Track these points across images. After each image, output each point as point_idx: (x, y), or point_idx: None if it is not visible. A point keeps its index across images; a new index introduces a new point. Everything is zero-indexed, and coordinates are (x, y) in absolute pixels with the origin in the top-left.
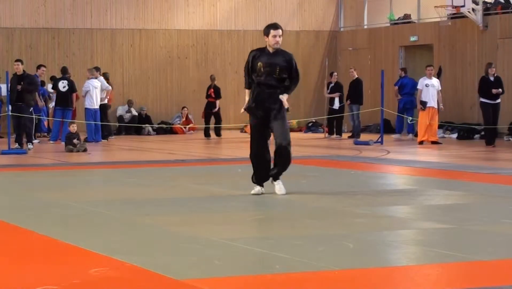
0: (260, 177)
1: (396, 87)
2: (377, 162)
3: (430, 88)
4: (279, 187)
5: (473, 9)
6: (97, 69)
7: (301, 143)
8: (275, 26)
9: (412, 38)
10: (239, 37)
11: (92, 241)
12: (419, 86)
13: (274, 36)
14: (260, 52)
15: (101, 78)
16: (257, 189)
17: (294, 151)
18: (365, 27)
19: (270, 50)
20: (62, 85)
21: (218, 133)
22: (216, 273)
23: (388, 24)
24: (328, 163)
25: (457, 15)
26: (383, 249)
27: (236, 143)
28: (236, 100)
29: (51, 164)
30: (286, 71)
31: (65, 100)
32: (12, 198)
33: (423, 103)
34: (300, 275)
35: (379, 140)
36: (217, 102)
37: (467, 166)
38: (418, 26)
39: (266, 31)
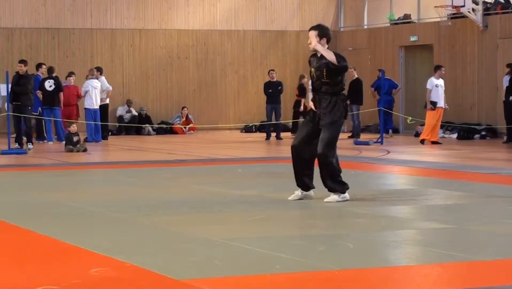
0: (297, 177)
1: (372, 89)
2: (377, 162)
3: (439, 89)
4: (329, 198)
5: (473, 9)
6: (99, 69)
7: None
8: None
9: (412, 38)
10: (239, 37)
11: (92, 241)
12: (428, 86)
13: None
14: (313, 57)
15: (102, 78)
16: (295, 193)
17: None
18: (365, 27)
19: (318, 53)
20: (49, 85)
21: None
22: (216, 273)
23: (388, 24)
24: None
25: (457, 15)
26: (383, 249)
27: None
28: (236, 100)
29: (51, 164)
30: (335, 72)
31: (52, 100)
32: (12, 198)
33: (434, 103)
34: (300, 275)
35: (379, 140)
36: (302, 100)
37: (467, 166)
38: (418, 26)
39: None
